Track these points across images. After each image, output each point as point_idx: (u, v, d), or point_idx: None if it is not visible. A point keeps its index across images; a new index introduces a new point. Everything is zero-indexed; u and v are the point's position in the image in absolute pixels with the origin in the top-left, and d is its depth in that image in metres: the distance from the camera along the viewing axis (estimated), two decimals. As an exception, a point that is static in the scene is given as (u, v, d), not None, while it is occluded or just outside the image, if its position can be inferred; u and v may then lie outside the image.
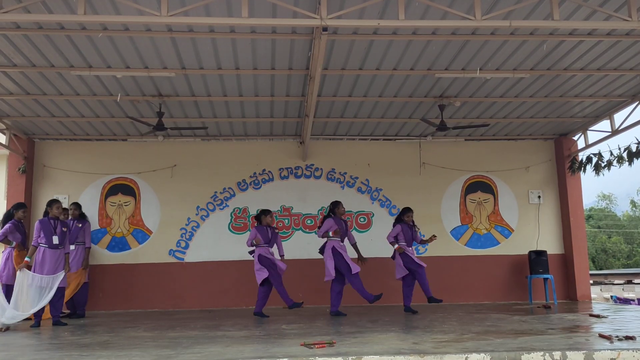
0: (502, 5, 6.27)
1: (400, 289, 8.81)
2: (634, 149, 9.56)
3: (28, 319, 7.74)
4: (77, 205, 9.34)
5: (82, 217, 9.31)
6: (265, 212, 8.67)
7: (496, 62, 7.94)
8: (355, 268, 8.23)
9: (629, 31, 7.03)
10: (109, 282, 10.26)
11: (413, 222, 8.88)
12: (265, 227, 8.56)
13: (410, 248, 8.68)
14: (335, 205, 8.68)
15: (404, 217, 8.80)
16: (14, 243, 8.38)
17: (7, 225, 8.41)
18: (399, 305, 9.03)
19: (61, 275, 7.54)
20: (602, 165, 10.32)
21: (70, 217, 9.11)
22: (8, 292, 7.95)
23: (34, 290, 7.35)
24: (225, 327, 6.81)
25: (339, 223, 8.54)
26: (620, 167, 9.91)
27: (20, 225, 8.67)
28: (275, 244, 8.62)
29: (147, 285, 10.37)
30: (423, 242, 9.13)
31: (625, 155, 9.75)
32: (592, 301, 10.88)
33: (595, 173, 10.46)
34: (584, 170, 10.78)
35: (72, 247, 8.79)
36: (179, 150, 10.88)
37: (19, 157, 10.36)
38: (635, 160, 9.57)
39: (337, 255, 8.30)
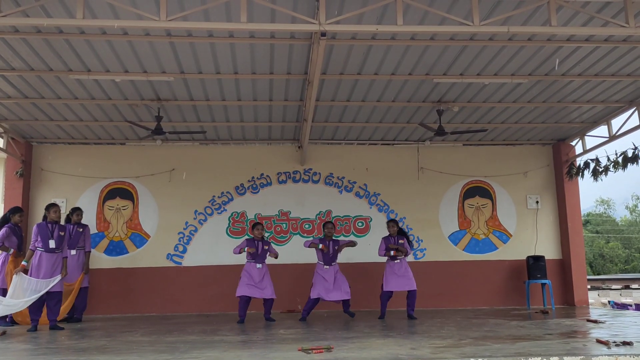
0: (500, 11, 6.30)
1: (399, 295, 8.74)
2: (630, 154, 9.60)
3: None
4: (82, 211, 9.18)
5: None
6: (253, 225, 8.77)
7: (494, 68, 7.96)
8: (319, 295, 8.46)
9: (626, 37, 7.07)
10: (107, 286, 10.21)
11: (400, 231, 8.80)
12: (254, 240, 8.63)
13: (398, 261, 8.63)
14: (324, 226, 9.06)
15: (388, 230, 8.87)
16: (12, 250, 8.36)
17: (3, 230, 8.37)
18: (397, 311, 9.01)
19: (57, 278, 7.50)
20: (600, 170, 10.35)
21: (73, 222, 9.02)
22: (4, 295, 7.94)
23: (29, 294, 7.31)
24: (222, 332, 6.79)
25: (323, 242, 8.71)
26: (616, 172, 9.97)
27: (17, 229, 8.64)
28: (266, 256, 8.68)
29: (144, 290, 10.34)
30: (395, 254, 8.50)
31: (620, 160, 9.79)
32: (590, 306, 10.88)
33: (594, 179, 10.49)
34: (582, 176, 10.81)
35: (73, 252, 8.75)
36: (177, 154, 10.87)
37: (17, 161, 10.33)
38: (629, 165, 9.62)
39: (317, 277, 8.61)
